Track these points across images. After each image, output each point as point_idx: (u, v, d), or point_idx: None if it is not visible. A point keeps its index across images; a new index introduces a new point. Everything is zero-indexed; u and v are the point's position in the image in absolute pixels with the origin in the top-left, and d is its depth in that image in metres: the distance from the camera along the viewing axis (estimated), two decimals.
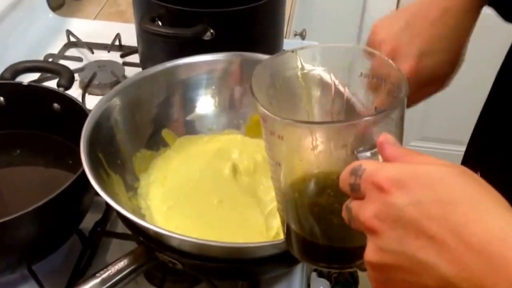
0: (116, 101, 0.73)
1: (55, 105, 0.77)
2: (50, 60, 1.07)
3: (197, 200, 0.72)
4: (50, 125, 0.79)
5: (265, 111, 0.43)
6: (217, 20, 0.87)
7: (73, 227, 0.71)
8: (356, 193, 0.39)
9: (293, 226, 0.47)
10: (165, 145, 0.79)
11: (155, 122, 0.78)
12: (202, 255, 0.58)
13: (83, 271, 0.70)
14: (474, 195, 0.34)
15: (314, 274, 0.89)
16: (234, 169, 0.75)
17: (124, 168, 0.72)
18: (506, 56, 0.67)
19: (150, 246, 0.60)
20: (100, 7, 1.29)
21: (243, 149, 0.78)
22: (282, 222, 0.50)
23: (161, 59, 0.81)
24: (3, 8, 1.05)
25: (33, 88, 0.79)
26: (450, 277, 0.33)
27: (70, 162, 0.76)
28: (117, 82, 1.01)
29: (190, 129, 0.81)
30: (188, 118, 0.80)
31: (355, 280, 1.16)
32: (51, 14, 1.20)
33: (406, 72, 0.55)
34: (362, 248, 0.39)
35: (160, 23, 0.87)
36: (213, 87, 0.81)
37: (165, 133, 0.79)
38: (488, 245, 0.32)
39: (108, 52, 1.11)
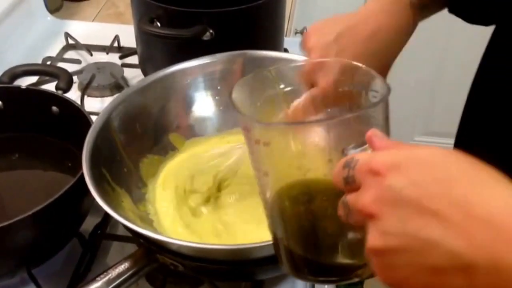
0: (118, 111, 0.73)
1: (54, 108, 0.77)
2: (48, 63, 1.06)
3: (206, 202, 0.71)
4: (49, 128, 0.79)
5: (249, 118, 0.42)
6: (216, 20, 0.86)
7: (73, 230, 0.71)
8: (351, 185, 0.38)
9: (284, 241, 0.46)
10: (173, 148, 0.78)
11: (161, 127, 0.78)
12: (203, 257, 0.58)
13: (83, 275, 0.70)
14: (471, 172, 0.34)
15: None
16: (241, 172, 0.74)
17: (130, 175, 0.72)
18: (485, 50, 0.67)
19: (151, 249, 0.60)
20: (98, 9, 1.28)
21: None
22: (273, 239, 0.48)
23: (160, 60, 0.80)
24: (1, 11, 1.05)
25: (31, 91, 0.79)
26: (460, 251, 0.32)
27: (70, 165, 0.76)
28: (116, 84, 1.01)
29: (197, 131, 0.80)
30: (195, 120, 0.80)
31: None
32: (49, 17, 1.20)
33: (322, 87, 0.54)
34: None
35: (158, 24, 0.87)
36: (218, 87, 0.80)
37: (173, 137, 0.78)
38: (495, 214, 0.32)
39: (107, 53, 1.10)
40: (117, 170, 0.69)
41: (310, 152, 0.43)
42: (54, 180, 0.77)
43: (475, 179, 0.34)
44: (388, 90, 0.42)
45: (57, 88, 0.80)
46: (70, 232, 0.71)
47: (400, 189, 0.34)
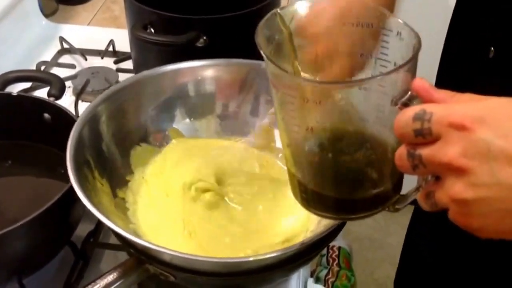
0: (112, 102, 0.73)
1: (46, 115, 0.76)
2: (42, 67, 1.06)
3: (184, 203, 0.71)
4: (41, 136, 0.78)
5: (300, 79, 0.45)
6: (210, 26, 0.86)
7: (64, 239, 0.70)
8: (425, 137, 0.38)
9: (312, 186, 0.48)
10: (169, 142, 0.78)
11: (158, 123, 0.78)
12: (193, 269, 0.57)
13: (75, 284, 0.69)
14: None
15: (310, 280, 0.87)
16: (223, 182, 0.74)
17: (116, 162, 0.72)
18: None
19: (141, 258, 0.59)
20: (93, 13, 1.28)
21: (242, 165, 0.77)
22: (298, 185, 0.50)
23: (154, 65, 0.80)
24: None
25: (23, 98, 0.79)
26: None
27: (62, 171, 0.75)
28: None
29: (195, 131, 0.80)
30: (192, 121, 0.80)
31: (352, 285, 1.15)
32: (44, 21, 1.19)
33: (336, 74, 0.54)
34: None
35: (152, 30, 0.86)
36: (221, 93, 0.80)
37: (172, 131, 0.79)
38: None
39: (102, 58, 1.10)
40: (102, 156, 0.70)
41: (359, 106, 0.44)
42: (46, 187, 0.77)
43: None
44: (419, 43, 0.43)
45: (49, 95, 0.79)
46: (62, 241, 0.70)
47: (490, 142, 0.35)
